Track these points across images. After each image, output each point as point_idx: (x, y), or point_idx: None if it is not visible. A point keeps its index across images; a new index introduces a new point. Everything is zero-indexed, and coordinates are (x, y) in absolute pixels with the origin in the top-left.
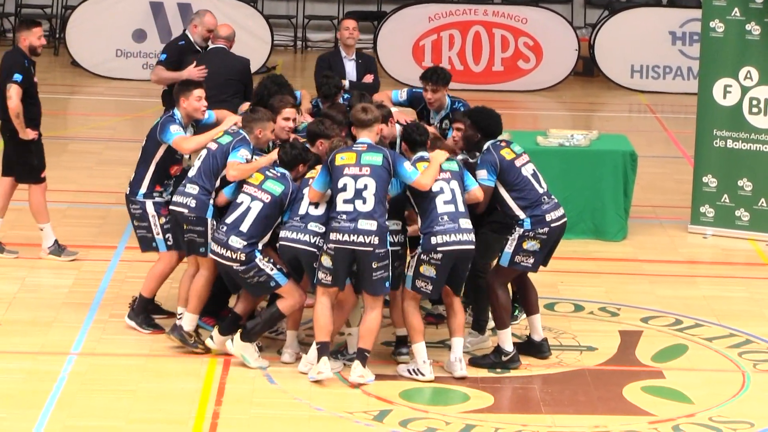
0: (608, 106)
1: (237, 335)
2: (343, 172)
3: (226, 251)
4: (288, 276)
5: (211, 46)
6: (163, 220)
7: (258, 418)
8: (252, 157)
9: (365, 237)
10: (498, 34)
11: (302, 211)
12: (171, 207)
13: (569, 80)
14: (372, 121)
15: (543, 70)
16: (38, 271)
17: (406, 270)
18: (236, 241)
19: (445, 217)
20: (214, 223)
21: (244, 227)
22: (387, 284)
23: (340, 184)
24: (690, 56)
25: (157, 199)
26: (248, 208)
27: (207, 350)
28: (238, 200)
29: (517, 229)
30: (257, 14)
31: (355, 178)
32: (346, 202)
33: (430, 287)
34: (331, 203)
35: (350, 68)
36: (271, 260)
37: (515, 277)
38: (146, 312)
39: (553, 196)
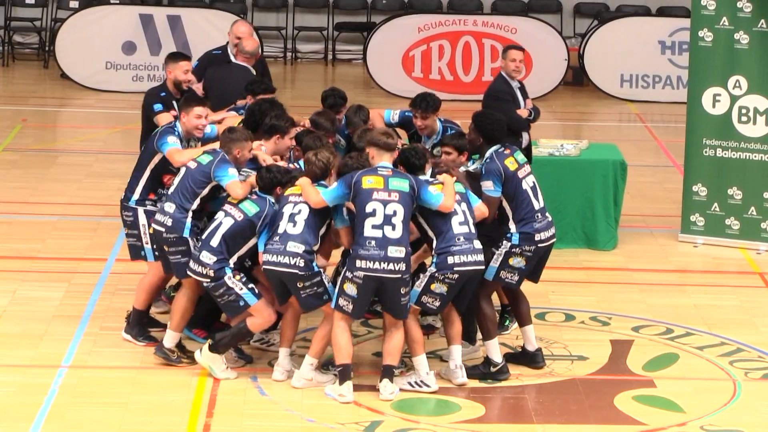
0: (598, 115)
1: (206, 346)
2: (371, 197)
3: (198, 266)
4: (259, 296)
5: (234, 61)
6: (153, 229)
7: (249, 430)
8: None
9: (395, 264)
10: (487, 44)
11: (280, 230)
12: (152, 224)
13: (559, 90)
14: (395, 146)
15: (533, 79)
16: (28, 284)
17: (415, 287)
18: (206, 257)
19: (461, 238)
20: (194, 240)
21: (214, 242)
22: (409, 305)
23: (368, 209)
24: (679, 65)
25: (150, 208)
26: (219, 224)
27: (192, 363)
28: (216, 216)
29: (505, 243)
30: None
31: (384, 203)
32: (375, 227)
33: (437, 303)
34: (310, 223)
35: (519, 96)
36: (242, 279)
37: (507, 290)
38: (141, 324)
39: (547, 214)
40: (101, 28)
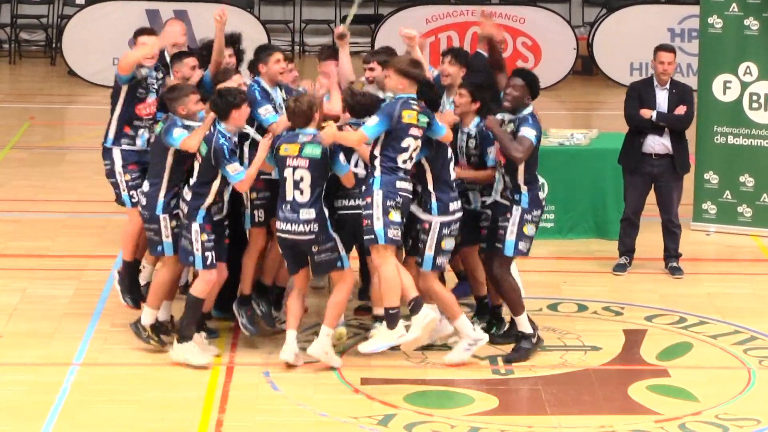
0: (608, 104)
1: (174, 342)
2: (408, 132)
3: (181, 203)
4: (211, 267)
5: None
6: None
7: (262, 425)
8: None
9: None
10: None
11: (288, 197)
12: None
13: (568, 79)
14: (424, 76)
15: (542, 69)
16: (38, 282)
17: (426, 251)
18: (186, 193)
19: (454, 184)
20: (166, 218)
21: (191, 181)
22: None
23: (404, 144)
24: (689, 53)
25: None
26: (192, 167)
27: (162, 345)
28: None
29: (515, 210)
30: (254, 20)
31: (416, 139)
32: (405, 162)
33: (446, 261)
34: (316, 187)
35: (662, 98)
36: (208, 241)
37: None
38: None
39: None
40: (108, 24)
